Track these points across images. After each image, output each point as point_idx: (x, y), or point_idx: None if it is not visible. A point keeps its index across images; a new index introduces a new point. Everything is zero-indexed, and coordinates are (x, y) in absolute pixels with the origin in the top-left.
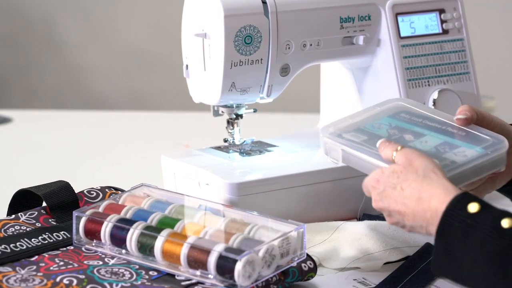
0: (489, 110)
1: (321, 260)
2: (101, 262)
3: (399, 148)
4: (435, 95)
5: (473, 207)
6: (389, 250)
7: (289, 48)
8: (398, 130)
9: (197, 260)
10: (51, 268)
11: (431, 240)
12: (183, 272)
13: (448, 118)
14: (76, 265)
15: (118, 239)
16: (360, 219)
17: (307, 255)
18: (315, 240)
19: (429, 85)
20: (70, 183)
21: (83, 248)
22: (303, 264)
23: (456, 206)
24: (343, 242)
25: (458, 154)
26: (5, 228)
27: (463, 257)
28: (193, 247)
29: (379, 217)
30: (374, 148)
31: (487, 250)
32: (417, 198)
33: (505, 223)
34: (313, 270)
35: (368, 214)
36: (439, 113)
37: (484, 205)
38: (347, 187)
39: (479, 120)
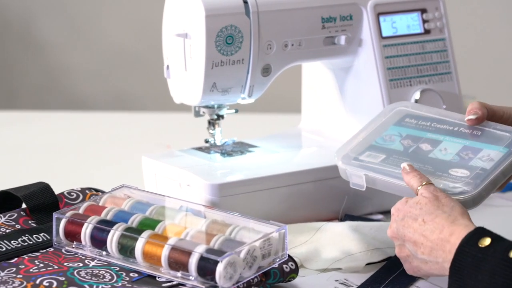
0: None
1: (303, 261)
2: (81, 264)
3: (424, 183)
4: (417, 95)
5: (484, 241)
6: (371, 251)
7: (270, 48)
8: (411, 140)
9: (178, 262)
10: (31, 270)
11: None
12: (164, 274)
13: (456, 118)
14: (56, 267)
15: (98, 241)
16: (342, 219)
17: (289, 256)
18: (297, 241)
19: (411, 85)
20: (50, 184)
21: (63, 250)
22: (284, 265)
23: (469, 242)
24: (325, 243)
25: (483, 158)
26: None
27: None
28: (174, 249)
29: (361, 217)
30: (397, 168)
31: (496, 281)
32: (439, 232)
33: None
34: (294, 271)
35: (350, 214)
36: (444, 113)
37: (495, 238)
38: (329, 187)
39: (490, 115)
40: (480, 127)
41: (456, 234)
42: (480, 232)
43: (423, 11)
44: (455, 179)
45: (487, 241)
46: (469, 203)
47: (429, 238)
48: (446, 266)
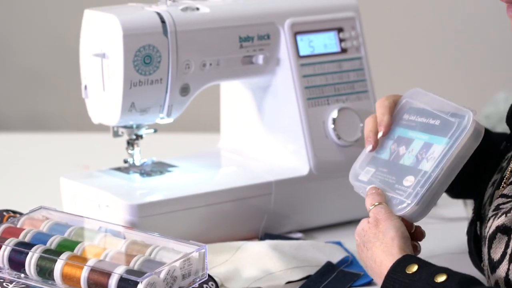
0: None
1: (223, 280)
2: None
3: (376, 203)
4: (334, 114)
5: (411, 268)
6: (290, 269)
7: (188, 67)
8: (397, 143)
9: (97, 283)
10: None
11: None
12: None
13: (435, 104)
14: None
15: (16, 263)
16: (261, 238)
17: (209, 276)
18: (217, 261)
19: (328, 103)
20: None
21: None
22: (205, 285)
23: (396, 269)
24: (245, 262)
25: (429, 157)
26: None
27: None
28: (93, 270)
29: (281, 236)
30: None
31: None
32: (374, 262)
33: (438, 278)
34: None
35: (269, 233)
36: (432, 101)
37: (422, 264)
38: (248, 206)
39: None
40: (438, 113)
41: (385, 264)
42: (407, 259)
43: (340, 30)
44: (403, 191)
45: (414, 268)
46: (413, 215)
47: (371, 266)
48: None
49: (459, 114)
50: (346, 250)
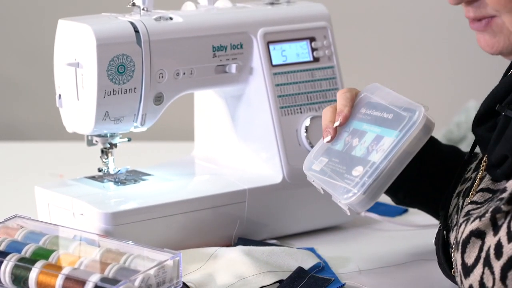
0: None
1: (198, 287)
2: None
3: None
4: (307, 122)
5: None
6: (263, 274)
7: (162, 76)
8: (352, 135)
9: None
10: None
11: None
12: None
13: (390, 98)
14: None
15: None
16: (235, 244)
17: (183, 283)
18: (191, 268)
19: (301, 112)
20: None
21: None
22: None
23: None
24: (218, 268)
25: (379, 149)
26: None
27: None
28: (68, 278)
29: (254, 241)
30: (333, 174)
31: None
32: None
33: None
34: None
35: (243, 238)
36: (387, 96)
37: None
38: (222, 214)
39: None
40: (392, 107)
41: None
42: None
43: (312, 39)
44: (351, 180)
45: None
46: (359, 205)
47: None
48: None
49: (411, 109)
50: (318, 256)
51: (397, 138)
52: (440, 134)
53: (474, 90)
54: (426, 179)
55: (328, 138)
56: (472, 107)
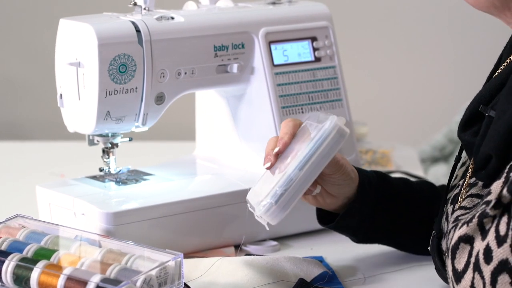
0: (361, 136)
1: None
2: None
3: None
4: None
5: None
6: (263, 287)
7: (163, 76)
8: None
9: None
10: None
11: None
12: None
13: (316, 117)
14: None
15: None
16: (237, 246)
17: (185, 284)
18: (192, 276)
19: (302, 112)
20: None
21: None
22: None
23: None
24: (219, 279)
25: (294, 161)
26: None
27: None
28: (69, 278)
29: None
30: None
31: None
32: None
33: None
34: None
35: (246, 246)
36: (315, 116)
37: None
38: (223, 214)
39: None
40: (315, 124)
41: None
42: None
43: (313, 39)
44: (266, 193)
45: None
46: (273, 215)
47: None
48: None
49: (325, 121)
50: (326, 265)
51: (308, 147)
52: (441, 134)
53: (475, 89)
54: (381, 215)
55: (268, 164)
56: None
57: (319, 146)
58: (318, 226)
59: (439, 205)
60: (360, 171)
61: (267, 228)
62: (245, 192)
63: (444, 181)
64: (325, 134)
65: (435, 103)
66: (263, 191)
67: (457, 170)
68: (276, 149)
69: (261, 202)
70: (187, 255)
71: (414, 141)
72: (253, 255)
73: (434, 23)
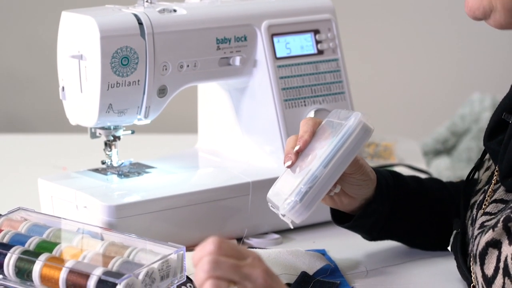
0: None
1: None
2: None
3: None
4: (311, 114)
5: None
6: None
7: (166, 69)
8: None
9: (76, 284)
10: None
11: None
12: None
13: (338, 115)
14: None
15: None
16: (243, 240)
17: (187, 277)
18: (192, 270)
19: (305, 105)
20: None
21: None
22: (183, 287)
23: None
24: None
25: (317, 158)
26: None
27: None
28: (72, 271)
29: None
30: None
31: None
32: None
33: None
34: None
35: (248, 239)
36: (337, 114)
37: None
38: (225, 207)
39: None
40: (337, 121)
41: None
42: None
43: (316, 32)
44: (291, 191)
45: None
46: (297, 213)
47: None
48: None
49: (349, 117)
50: (328, 259)
51: (332, 144)
52: (443, 127)
53: (478, 82)
54: (396, 215)
55: (289, 163)
56: (476, 100)
57: (343, 142)
58: (320, 219)
59: (451, 202)
60: (376, 171)
61: (291, 227)
62: (247, 185)
63: (446, 174)
64: (349, 130)
65: (438, 96)
66: (286, 189)
67: (481, 174)
68: (297, 147)
69: (285, 200)
70: (190, 248)
71: (416, 134)
72: (256, 248)
73: (436, 17)
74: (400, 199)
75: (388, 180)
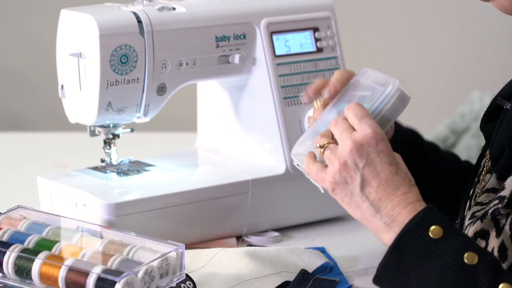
0: None
1: (198, 285)
2: None
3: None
4: (310, 112)
5: (435, 231)
6: (265, 277)
7: (165, 67)
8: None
9: (75, 283)
10: None
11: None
12: None
13: (372, 78)
14: None
15: None
16: (238, 237)
17: (187, 275)
18: (193, 267)
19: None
20: None
21: None
22: (182, 285)
23: (419, 226)
24: (220, 269)
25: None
26: None
27: (417, 279)
28: (71, 270)
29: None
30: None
31: (446, 280)
32: (377, 203)
33: (467, 258)
34: None
35: (247, 238)
36: (371, 76)
37: (447, 231)
38: (225, 205)
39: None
40: (372, 85)
41: (402, 216)
42: (431, 216)
43: (315, 30)
44: None
45: (438, 232)
46: None
47: (367, 208)
48: (385, 232)
49: (387, 83)
50: (328, 256)
51: (370, 110)
52: (443, 125)
53: (478, 80)
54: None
55: (305, 98)
56: (476, 98)
57: (380, 111)
58: (320, 217)
59: (461, 181)
60: (398, 127)
61: (322, 191)
62: (247, 183)
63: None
64: (387, 98)
65: (437, 94)
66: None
67: (483, 162)
68: (326, 94)
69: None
70: (189, 246)
71: None
72: (255, 246)
73: (436, 15)
74: (412, 158)
75: (405, 138)
